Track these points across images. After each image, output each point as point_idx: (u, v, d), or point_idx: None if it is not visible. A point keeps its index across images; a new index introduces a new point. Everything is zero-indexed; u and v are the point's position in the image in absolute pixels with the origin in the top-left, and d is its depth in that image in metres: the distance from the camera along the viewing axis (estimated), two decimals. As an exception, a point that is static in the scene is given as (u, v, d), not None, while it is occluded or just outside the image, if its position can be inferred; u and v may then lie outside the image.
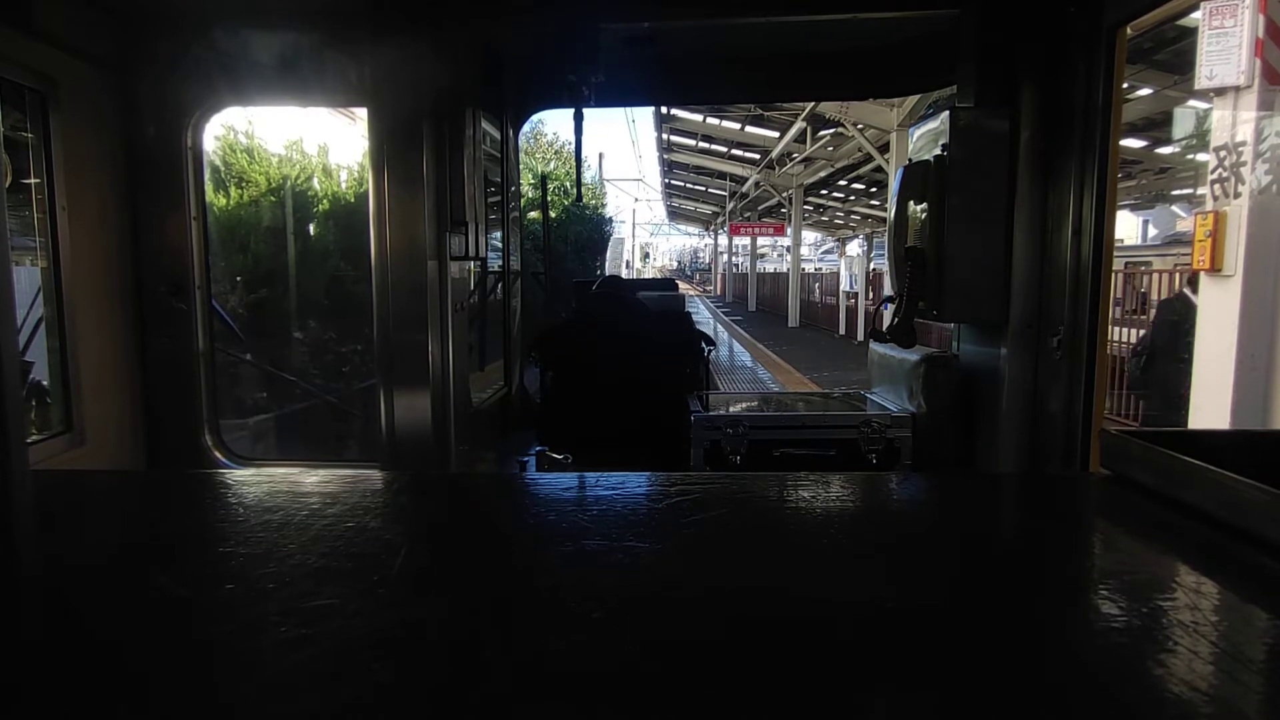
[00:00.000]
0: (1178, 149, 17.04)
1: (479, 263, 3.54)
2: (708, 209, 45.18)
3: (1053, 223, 2.69)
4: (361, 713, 0.65)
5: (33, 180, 2.83)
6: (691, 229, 66.48)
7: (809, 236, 50.99)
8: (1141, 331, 9.39)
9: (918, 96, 9.98)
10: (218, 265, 4.72)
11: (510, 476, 3.07)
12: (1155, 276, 10.88)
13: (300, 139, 5.93)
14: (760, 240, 38.92)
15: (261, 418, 4.57)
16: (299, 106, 4.84)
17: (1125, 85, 2.82)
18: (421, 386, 2.97)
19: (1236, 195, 5.96)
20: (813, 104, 15.63)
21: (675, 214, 54.61)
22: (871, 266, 21.93)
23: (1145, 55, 11.52)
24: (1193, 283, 6.45)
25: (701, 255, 76.70)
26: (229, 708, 0.67)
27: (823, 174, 23.84)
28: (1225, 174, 6.05)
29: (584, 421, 3.68)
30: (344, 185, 6.05)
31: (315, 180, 5.96)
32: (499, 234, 4.03)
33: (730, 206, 36.20)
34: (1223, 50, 6.01)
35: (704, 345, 3.96)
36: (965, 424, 3.08)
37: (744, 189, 31.47)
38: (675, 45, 3.83)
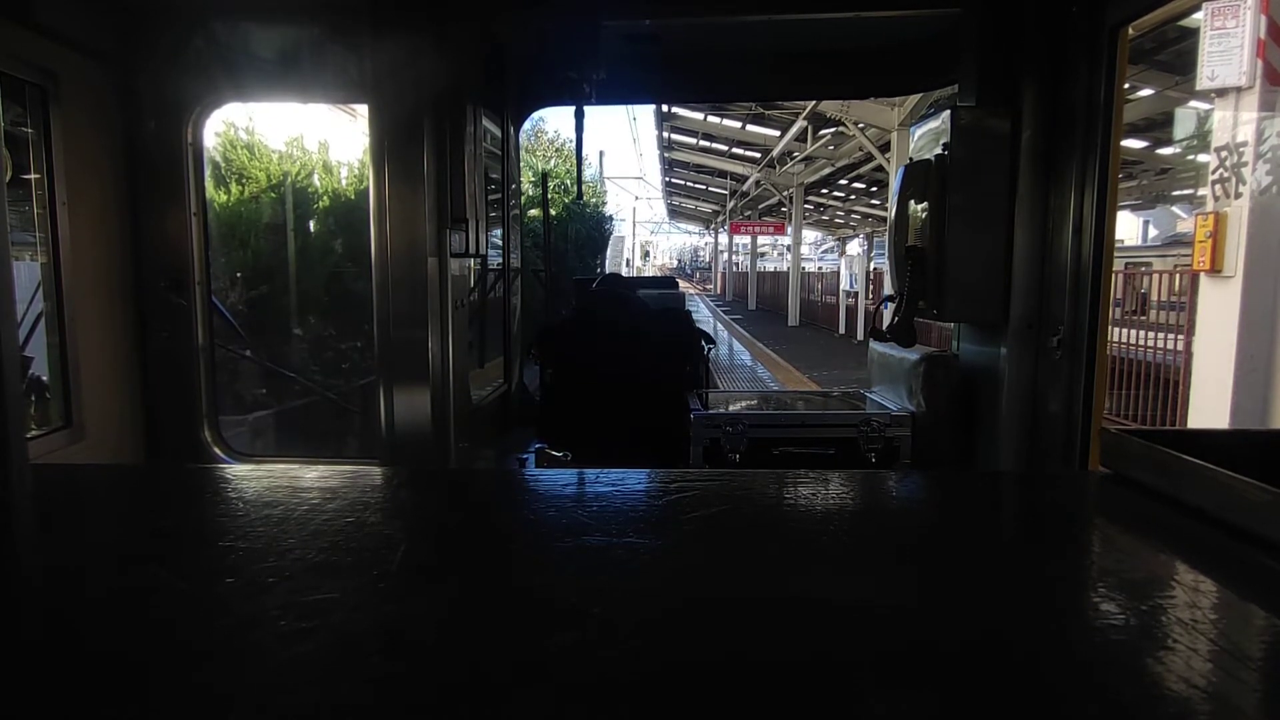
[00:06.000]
0: (1179, 150, 17.05)
1: (479, 260, 3.53)
2: (708, 207, 45.14)
3: (1053, 222, 2.69)
4: (362, 707, 0.65)
5: (33, 175, 2.83)
6: (692, 227, 66.44)
7: (809, 235, 50.98)
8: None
9: (919, 96, 9.98)
10: (218, 261, 4.72)
11: (510, 472, 3.07)
12: (1155, 277, 10.92)
13: (301, 135, 5.91)
14: (760, 239, 38.93)
15: (261, 414, 4.57)
16: (300, 102, 4.83)
17: (1126, 85, 2.82)
18: (421, 383, 2.97)
19: (1237, 196, 5.95)
20: (814, 103, 15.61)
21: (676, 212, 54.57)
22: (871, 266, 21.90)
23: (1147, 56, 11.53)
24: None
25: (702, 254, 76.64)
26: (229, 701, 0.67)
27: (823, 173, 23.82)
28: (1226, 175, 6.05)
29: (583, 419, 3.68)
30: (344, 182, 6.03)
31: (315, 177, 5.95)
32: (499, 231, 4.02)
33: (731, 205, 36.16)
34: (1224, 51, 6.01)
35: (704, 343, 3.96)
36: (965, 423, 3.08)
37: (744, 188, 31.42)
38: (676, 43, 3.83)
